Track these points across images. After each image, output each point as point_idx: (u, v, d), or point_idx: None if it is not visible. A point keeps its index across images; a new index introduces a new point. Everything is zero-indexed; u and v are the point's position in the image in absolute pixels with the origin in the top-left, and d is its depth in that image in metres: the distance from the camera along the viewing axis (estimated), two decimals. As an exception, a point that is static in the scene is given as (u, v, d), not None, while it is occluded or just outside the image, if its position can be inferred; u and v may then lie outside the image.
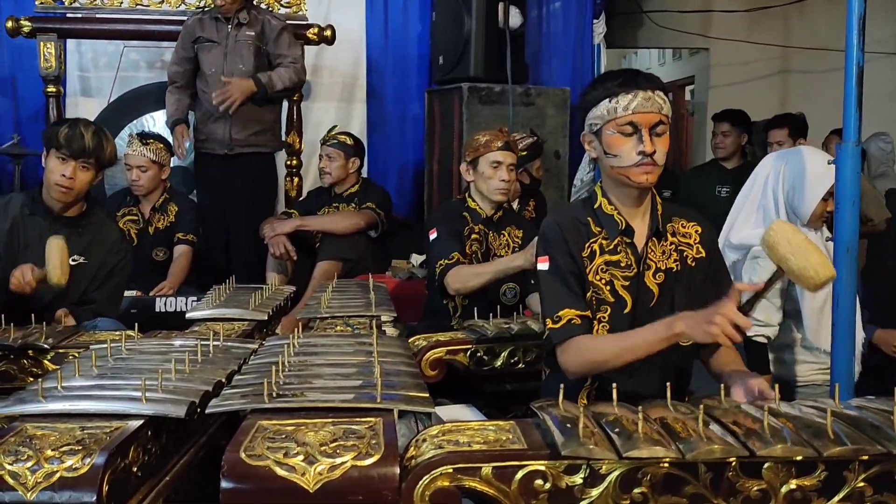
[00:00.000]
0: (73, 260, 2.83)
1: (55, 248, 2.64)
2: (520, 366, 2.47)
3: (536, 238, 2.69)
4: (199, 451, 1.95)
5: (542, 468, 1.38)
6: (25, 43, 4.79)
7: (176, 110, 4.45)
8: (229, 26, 4.37)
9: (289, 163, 5.03)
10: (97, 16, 4.71)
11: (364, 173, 5.46)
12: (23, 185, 4.85)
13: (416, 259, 4.83)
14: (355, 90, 5.62)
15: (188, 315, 2.74)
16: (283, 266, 4.15)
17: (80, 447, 1.43)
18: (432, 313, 3.08)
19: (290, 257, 4.11)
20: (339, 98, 5.60)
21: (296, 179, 5.02)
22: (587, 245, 1.98)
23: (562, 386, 1.59)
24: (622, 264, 1.97)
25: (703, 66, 7.53)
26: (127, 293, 3.30)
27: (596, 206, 2.01)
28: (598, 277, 1.96)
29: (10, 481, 1.36)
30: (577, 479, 1.38)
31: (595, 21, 5.69)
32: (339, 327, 2.61)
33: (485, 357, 2.45)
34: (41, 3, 4.68)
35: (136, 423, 1.56)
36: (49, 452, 1.41)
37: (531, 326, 2.49)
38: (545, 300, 1.96)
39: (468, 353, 2.44)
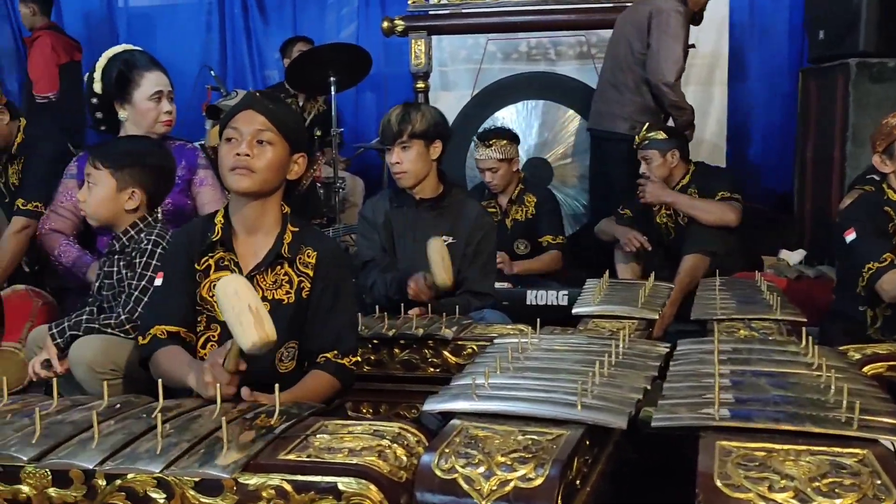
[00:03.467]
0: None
1: (434, 249, 2.65)
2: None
3: None
4: (609, 462, 1.81)
5: None
6: (392, 41, 5.03)
7: None
8: None
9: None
10: (463, 10, 4.81)
11: (722, 162, 5.10)
12: (390, 178, 5.10)
13: (789, 256, 4.37)
14: (715, 71, 5.24)
15: (575, 311, 2.64)
16: (633, 256, 3.99)
17: (529, 455, 1.34)
18: (841, 319, 2.70)
19: (642, 247, 3.96)
20: (696, 81, 5.25)
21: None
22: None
23: None
24: None
25: None
26: (497, 285, 3.29)
27: None
28: None
29: (465, 486, 1.30)
30: None
31: None
32: (741, 331, 2.37)
33: (935, 376, 2.06)
34: (413, 2, 4.87)
35: (577, 432, 1.44)
36: (500, 458, 1.33)
37: None
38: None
39: (915, 370, 2.07)
